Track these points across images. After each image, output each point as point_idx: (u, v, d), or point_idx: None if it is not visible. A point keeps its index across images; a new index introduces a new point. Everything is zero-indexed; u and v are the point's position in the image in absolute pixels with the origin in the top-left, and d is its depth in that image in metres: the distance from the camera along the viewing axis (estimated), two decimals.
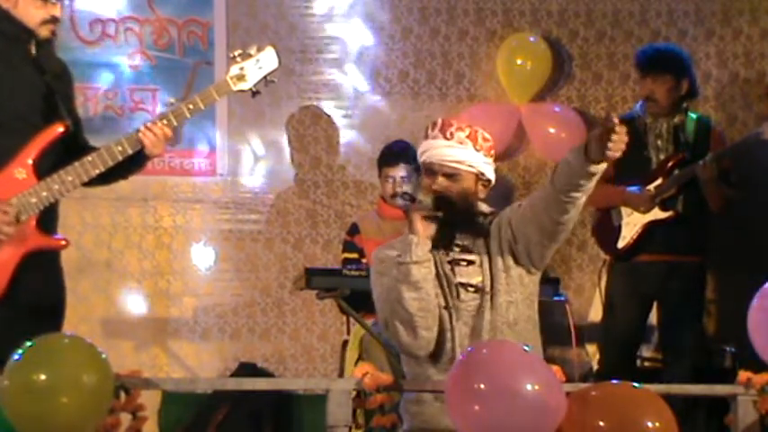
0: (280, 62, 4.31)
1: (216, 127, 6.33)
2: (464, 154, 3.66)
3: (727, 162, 5.55)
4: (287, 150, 6.44)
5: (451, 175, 3.67)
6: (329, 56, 6.46)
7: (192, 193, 6.35)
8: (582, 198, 3.47)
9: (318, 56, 6.45)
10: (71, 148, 4.19)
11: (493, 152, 3.73)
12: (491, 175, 3.74)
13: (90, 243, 6.27)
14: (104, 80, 6.30)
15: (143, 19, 6.32)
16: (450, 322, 3.62)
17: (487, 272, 3.65)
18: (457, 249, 3.69)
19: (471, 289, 3.65)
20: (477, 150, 3.67)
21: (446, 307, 3.63)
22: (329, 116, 6.44)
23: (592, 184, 3.43)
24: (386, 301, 3.65)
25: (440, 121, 3.74)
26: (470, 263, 3.68)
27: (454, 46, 6.51)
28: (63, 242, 4.16)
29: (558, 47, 6.53)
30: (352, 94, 6.47)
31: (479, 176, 3.70)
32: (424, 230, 3.61)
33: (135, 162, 4.22)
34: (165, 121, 4.16)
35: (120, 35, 6.32)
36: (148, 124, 4.15)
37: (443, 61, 6.51)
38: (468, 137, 3.67)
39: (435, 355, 3.63)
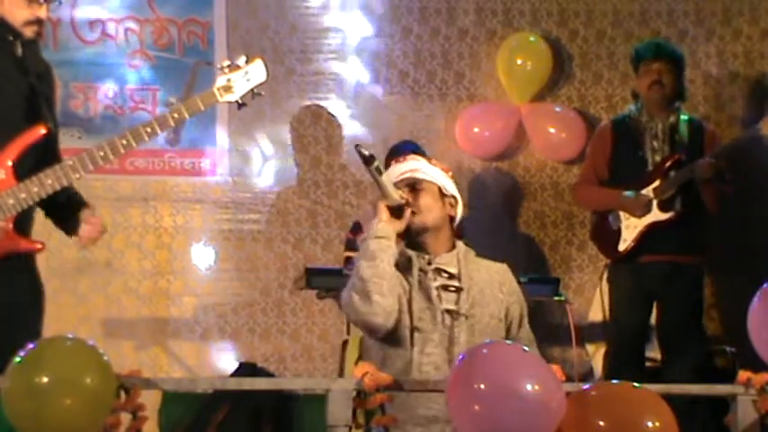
0: (268, 75, 4.26)
1: (216, 127, 6.32)
2: (419, 164, 3.84)
3: (723, 161, 5.54)
4: (287, 150, 6.44)
5: (413, 186, 3.78)
6: (329, 56, 6.46)
7: (192, 193, 6.35)
8: None
9: (318, 56, 6.45)
10: (47, 152, 4.09)
11: (450, 174, 3.88)
12: (454, 192, 3.84)
13: None
14: (104, 80, 6.31)
15: (143, 19, 6.32)
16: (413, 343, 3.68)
17: (472, 299, 3.73)
18: (445, 275, 3.75)
19: (456, 315, 3.71)
20: (433, 165, 3.85)
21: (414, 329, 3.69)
22: (329, 116, 6.45)
23: None
24: (347, 285, 3.73)
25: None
26: (459, 289, 3.74)
27: (454, 46, 6.52)
28: (39, 245, 4.05)
29: (558, 47, 6.53)
30: (352, 94, 6.48)
31: (442, 190, 3.81)
32: (389, 219, 3.71)
33: (68, 225, 4.17)
34: (148, 129, 4.09)
35: (120, 35, 6.32)
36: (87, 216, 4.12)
37: (443, 61, 6.51)
38: (420, 156, 3.97)
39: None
